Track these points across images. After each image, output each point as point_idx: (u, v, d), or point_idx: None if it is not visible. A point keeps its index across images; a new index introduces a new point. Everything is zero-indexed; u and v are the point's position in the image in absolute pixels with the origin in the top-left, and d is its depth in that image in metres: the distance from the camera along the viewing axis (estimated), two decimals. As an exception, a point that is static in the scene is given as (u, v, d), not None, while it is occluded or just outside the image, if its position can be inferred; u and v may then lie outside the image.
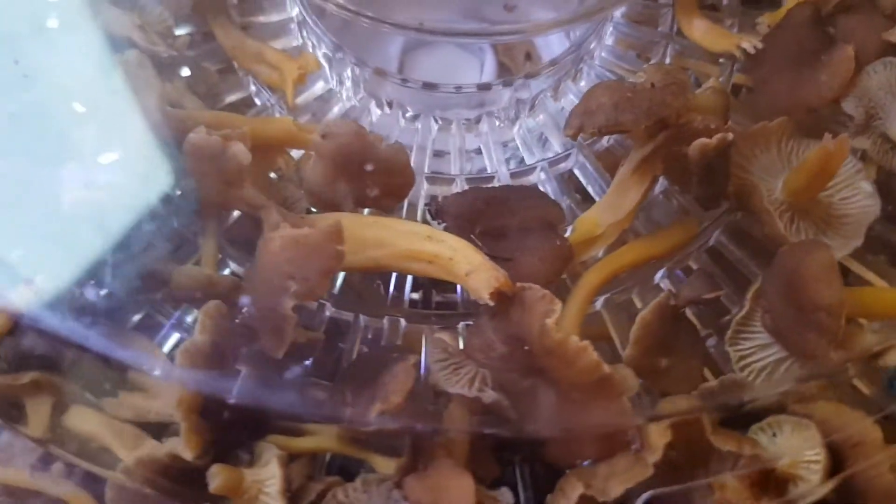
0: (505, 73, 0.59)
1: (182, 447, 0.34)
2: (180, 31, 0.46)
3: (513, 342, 0.38)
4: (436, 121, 0.54)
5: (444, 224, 0.41)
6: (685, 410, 0.37)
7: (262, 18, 0.53)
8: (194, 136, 0.36)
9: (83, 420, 0.37)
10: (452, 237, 0.39)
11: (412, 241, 0.38)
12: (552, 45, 0.58)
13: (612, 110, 0.40)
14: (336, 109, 0.53)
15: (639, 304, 0.44)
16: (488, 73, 0.58)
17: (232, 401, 0.33)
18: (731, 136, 0.39)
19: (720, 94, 0.43)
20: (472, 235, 0.40)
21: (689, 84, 0.41)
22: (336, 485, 0.36)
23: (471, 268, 0.37)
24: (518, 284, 0.37)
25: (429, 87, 0.52)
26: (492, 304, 0.37)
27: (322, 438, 0.38)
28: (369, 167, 0.41)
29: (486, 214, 0.42)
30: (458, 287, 0.46)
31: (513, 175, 0.50)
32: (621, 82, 0.42)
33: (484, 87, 0.52)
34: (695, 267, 0.45)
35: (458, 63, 0.59)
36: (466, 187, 0.47)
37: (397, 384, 0.34)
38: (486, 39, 0.55)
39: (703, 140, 0.39)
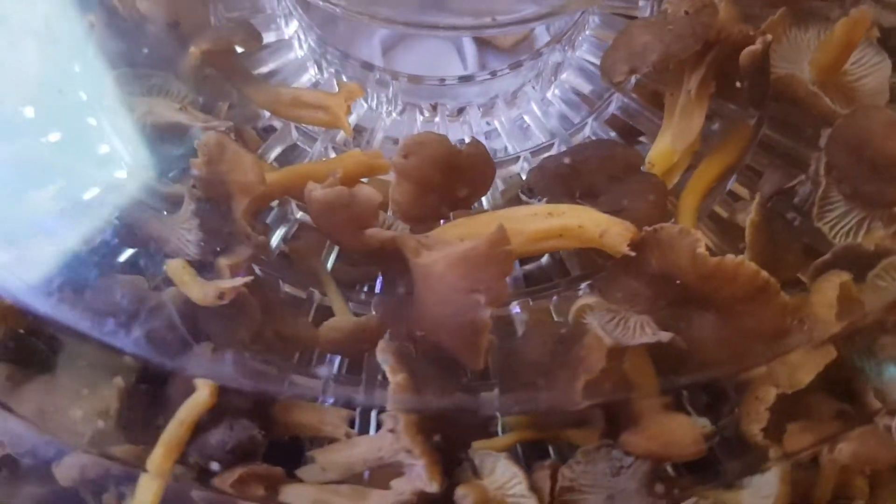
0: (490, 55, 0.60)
1: (426, 482, 0.34)
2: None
3: (658, 282, 0.40)
4: (421, 113, 0.54)
5: (543, 199, 0.43)
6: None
7: (245, 11, 0.52)
8: (319, 192, 0.36)
9: (299, 497, 0.37)
10: (569, 207, 0.40)
11: (537, 223, 0.40)
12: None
13: (661, 45, 0.42)
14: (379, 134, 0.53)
15: (724, 215, 0.47)
16: (471, 64, 0.59)
17: (469, 420, 0.34)
18: (769, 37, 0.42)
19: (731, 3, 0.46)
20: (577, 199, 0.42)
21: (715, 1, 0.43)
22: (555, 467, 0.38)
23: (601, 228, 0.39)
24: (645, 228, 0.39)
25: (414, 79, 0.52)
26: (632, 254, 0.39)
27: (518, 431, 0.39)
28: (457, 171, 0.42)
29: (574, 177, 0.44)
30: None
31: (499, 164, 0.50)
32: (651, 20, 0.44)
33: (466, 79, 0.53)
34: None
35: (440, 56, 0.59)
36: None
37: (594, 353, 0.36)
38: (467, 33, 0.55)
39: (751, 48, 0.42)
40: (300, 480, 0.37)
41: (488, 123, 0.55)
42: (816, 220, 0.45)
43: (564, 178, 0.43)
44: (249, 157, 0.38)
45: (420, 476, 0.35)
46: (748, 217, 0.42)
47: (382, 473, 0.38)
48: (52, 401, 0.36)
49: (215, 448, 0.37)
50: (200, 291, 0.37)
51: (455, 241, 0.38)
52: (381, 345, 0.37)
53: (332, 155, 0.47)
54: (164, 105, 0.43)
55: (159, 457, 0.36)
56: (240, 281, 0.36)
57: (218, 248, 0.39)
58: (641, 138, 0.50)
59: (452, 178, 0.42)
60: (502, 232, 0.34)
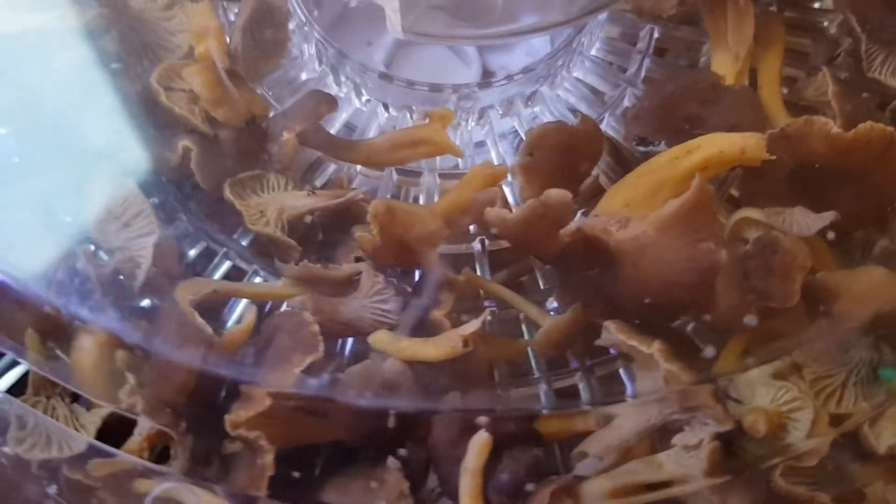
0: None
1: (719, 423, 0.37)
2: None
3: (795, 177, 0.43)
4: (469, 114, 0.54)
5: (661, 143, 0.46)
6: None
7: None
8: (513, 213, 0.37)
9: (599, 492, 0.38)
10: (700, 140, 0.43)
11: (682, 164, 0.42)
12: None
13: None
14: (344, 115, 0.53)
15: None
16: (474, 72, 0.59)
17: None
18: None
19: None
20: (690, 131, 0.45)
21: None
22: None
23: (738, 147, 0.42)
24: (770, 131, 0.43)
25: (435, 88, 0.52)
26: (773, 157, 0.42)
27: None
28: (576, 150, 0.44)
29: (673, 113, 0.46)
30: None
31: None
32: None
33: (484, 86, 0.53)
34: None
35: (443, 63, 0.60)
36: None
37: (798, 250, 0.39)
38: (472, 42, 0.56)
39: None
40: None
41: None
42: (868, 72, 0.49)
43: (666, 118, 0.46)
44: (422, 208, 0.38)
45: (709, 420, 0.37)
46: (829, 89, 0.46)
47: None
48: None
49: (512, 482, 0.38)
50: (440, 347, 0.37)
51: (634, 208, 0.40)
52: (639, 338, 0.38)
53: (439, 182, 0.48)
54: (290, 197, 0.42)
55: (469, 512, 0.37)
56: (478, 322, 0.37)
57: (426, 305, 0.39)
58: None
59: (573, 158, 0.45)
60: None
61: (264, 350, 0.38)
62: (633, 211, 0.41)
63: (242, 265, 0.45)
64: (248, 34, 0.45)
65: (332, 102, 0.44)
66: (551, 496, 0.38)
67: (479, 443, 0.37)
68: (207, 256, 0.45)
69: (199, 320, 0.36)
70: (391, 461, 0.38)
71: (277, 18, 0.46)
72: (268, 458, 0.35)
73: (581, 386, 0.44)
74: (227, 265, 0.45)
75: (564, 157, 0.44)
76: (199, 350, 0.36)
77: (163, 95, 0.42)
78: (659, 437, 0.40)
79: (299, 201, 0.42)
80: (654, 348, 0.37)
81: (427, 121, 0.46)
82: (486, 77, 0.60)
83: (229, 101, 0.43)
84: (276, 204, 0.42)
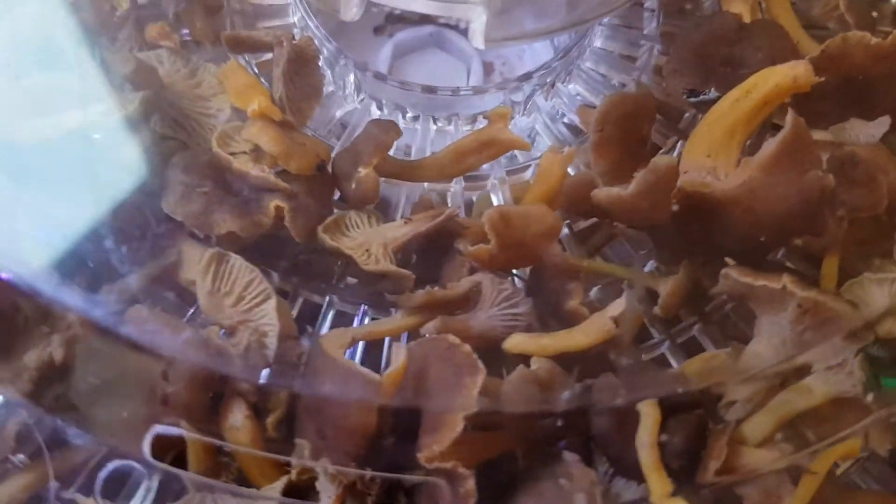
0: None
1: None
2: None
3: (839, 92, 0.46)
4: (435, 121, 0.55)
5: (710, 90, 0.47)
6: None
7: (262, 24, 0.54)
8: (627, 188, 0.38)
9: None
10: (754, 78, 0.45)
11: (745, 103, 0.43)
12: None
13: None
14: (338, 113, 0.54)
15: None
16: (476, 76, 0.60)
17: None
18: None
19: None
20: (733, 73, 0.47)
21: None
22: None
23: (790, 77, 0.43)
24: (809, 57, 0.45)
25: (428, 90, 0.53)
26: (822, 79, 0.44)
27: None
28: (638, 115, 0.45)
29: (708, 60, 0.48)
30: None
31: (508, 172, 0.51)
32: None
33: (480, 91, 0.54)
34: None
35: (445, 67, 0.61)
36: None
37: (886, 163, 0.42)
38: (544, 38, 0.57)
39: None
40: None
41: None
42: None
43: (705, 66, 0.48)
44: (531, 207, 0.39)
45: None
46: (841, 3, 0.49)
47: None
48: None
49: (686, 444, 0.39)
50: (590, 333, 0.38)
51: (716, 157, 0.42)
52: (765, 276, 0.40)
53: (503, 175, 0.49)
54: (389, 229, 0.42)
55: (658, 483, 0.38)
56: (622, 302, 0.38)
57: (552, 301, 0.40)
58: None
59: (636, 124, 0.46)
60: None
61: (422, 382, 0.38)
62: (717, 160, 0.43)
63: (347, 309, 0.45)
64: (288, 81, 0.45)
65: (397, 128, 0.44)
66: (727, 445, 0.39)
67: (650, 417, 0.38)
68: (309, 309, 0.45)
69: (364, 368, 0.36)
70: (568, 455, 0.39)
71: (309, 59, 0.46)
72: (469, 485, 0.35)
73: (702, 339, 0.45)
74: (332, 313, 0.45)
75: (629, 124, 0.45)
76: (374, 395, 0.35)
77: (234, 162, 0.41)
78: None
79: (399, 231, 0.42)
80: (785, 281, 0.39)
81: (486, 123, 0.46)
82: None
83: (299, 151, 0.43)
84: (377, 239, 0.42)
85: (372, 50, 0.60)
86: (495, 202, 0.48)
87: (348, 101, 0.53)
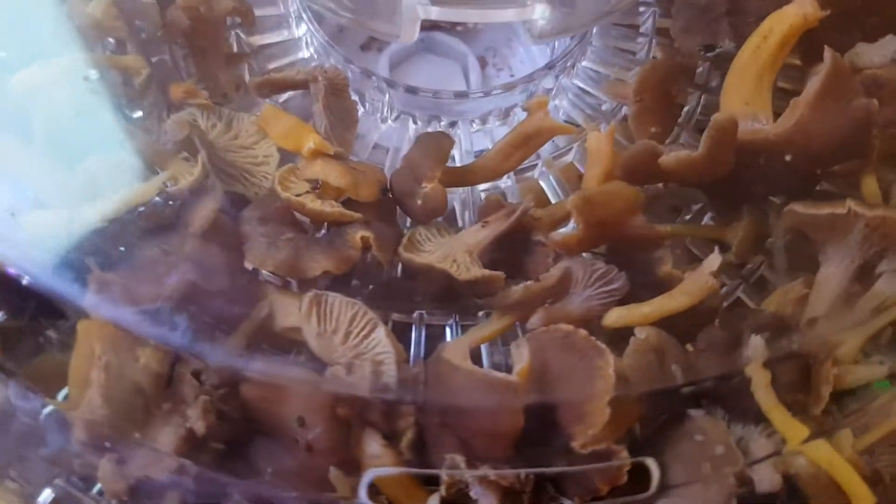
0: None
1: None
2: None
3: (840, 19, 0.48)
4: (414, 122, 0.56)
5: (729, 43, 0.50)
6: None
7: (270, 38, 0.55)
8: (699, 148, 0.40)
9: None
10: (766, 24, 0.47)
11: (765, 50, 0.46)
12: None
13: None
14: (375, 135, 0.55)
15: None
16: (475, 73, 0.61)
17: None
18: None
19: None
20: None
21: None
22: None
23: (799, 15, 0.46)
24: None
25: (460, 95, 0.55)
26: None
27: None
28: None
29: (711, 12, 0.50)
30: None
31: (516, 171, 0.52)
32: None
33: (460, 95, 0.55)
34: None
35: (441, 70, 0.62)
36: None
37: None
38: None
39: None
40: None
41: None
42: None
43: (711, 22, 0.50)
44: (615, 184, 0.41)
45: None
46: None
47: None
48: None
49: (794, 381, 0.41)
50: (692, 292, 0.40)
51: (754, 104, 0.44)
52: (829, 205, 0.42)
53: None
54: (468, 235, 0.43)
55: (790, 428, 0.40)
56: (717, 256, 0.40)
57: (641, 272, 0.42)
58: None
59: (667, 88, 0.48)
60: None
61: (545, 374, 0.39)
62: (755, 106, 0.45)
63: (436, 322, 0.46)
64: (329, 114, 0.45)
65: (450, 138, 0.45)
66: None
67: (759, 355, 0.40)
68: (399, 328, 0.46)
69: (496, 373, 0.37)
70: (693, 412, 0.40)
71: (342, 88, 0.46)
72: (624, 455, 0.37)
73: (770, 275, 0.47)
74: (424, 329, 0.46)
75: (662, 90, 0.47)
76: (515, 397, 0.36)
77: (309, 203, 0.42)
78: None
79: (479, 235, 0.43)
80: (850, 204, 0.42)
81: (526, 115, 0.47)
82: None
83: (363, 179, 0.43)
84: (459, 248, 0.43)
85: (371, 58, 0.60)
86: (546, 189, 0.50)
87: (382, 122, 0.53)
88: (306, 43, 0.55)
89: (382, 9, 0.41)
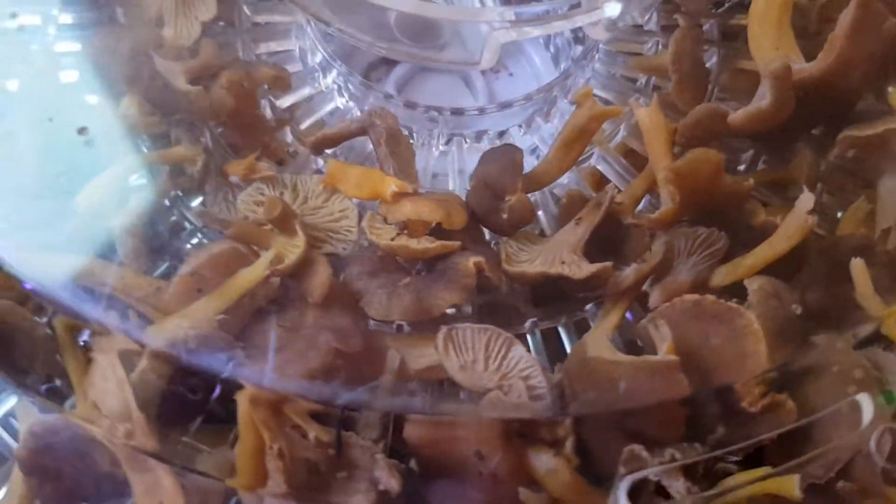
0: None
1: None
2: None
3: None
4: (465, 140, 0.57)
5: None
6: None
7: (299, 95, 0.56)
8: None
9: None
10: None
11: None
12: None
13: None
14: (430, 161, 0.56)
15: None
16: (481, 96, 0.62)
17: None
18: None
19: None
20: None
21: None
22: None
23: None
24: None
25: (505, 105, 0.56)
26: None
27: None
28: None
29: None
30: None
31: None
32: None
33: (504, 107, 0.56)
34: None
35: (451, 89, 0.62)
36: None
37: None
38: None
39: None
40: None
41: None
42: None
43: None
44: (697, 151, 0.43)
45: None
46: None
47: None
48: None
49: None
50: (792, 234, 0.42)
51: (783, 48, 0.47)
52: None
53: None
54: (566, 234, 0.44)
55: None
56: (810, 195, 0.42)
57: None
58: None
59: (697, 50, 0.50)
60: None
61: (689, 345, 0.40)
62: (783, 49, 0.48)
63: (546, 326, 0.47)
64: (392, 153, 0.46)
65: (519, 150, 0.46)
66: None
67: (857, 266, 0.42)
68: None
69: (654, 357, 0.38)
70: (816, 338, 0.43)
71: (395, 127, 0.47)
72: (790, 404, 0.38)
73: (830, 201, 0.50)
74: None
75: (694, 55, 0.49)
76: (678, 377, 0.38)
77: (411, 244, 0.42)
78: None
79: (577, 233, 0.44)
80: (902, 117, 0.45)
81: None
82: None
83: (451, 208, 0.44)
84: (562, 248, 0.44)
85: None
86: (607, 172, 0.51)
87: (436, 149, 0.54)
88: (339, 89, 0.55)
89: (450, 40, 0.41)
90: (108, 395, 0.37)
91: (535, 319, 0.47)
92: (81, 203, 0.43)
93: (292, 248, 0.41)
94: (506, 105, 0.55)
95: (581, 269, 0.43)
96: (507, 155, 0.46)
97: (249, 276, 0.41)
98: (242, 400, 0.36)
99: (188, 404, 0.38)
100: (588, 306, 0.47)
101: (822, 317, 0.44)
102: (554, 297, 0.47)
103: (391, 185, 0.44)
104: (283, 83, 0.49)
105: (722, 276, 0.44)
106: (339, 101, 0.56)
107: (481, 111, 0.55)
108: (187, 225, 0.48)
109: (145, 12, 0.50)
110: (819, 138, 0.49)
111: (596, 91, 0.57)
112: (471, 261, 0.42)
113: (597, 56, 0.57)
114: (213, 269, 0.41)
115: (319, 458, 0.38)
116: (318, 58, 0.56)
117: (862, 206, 0.48)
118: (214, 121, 0.48)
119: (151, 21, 0.49)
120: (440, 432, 0.39)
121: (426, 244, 0.43)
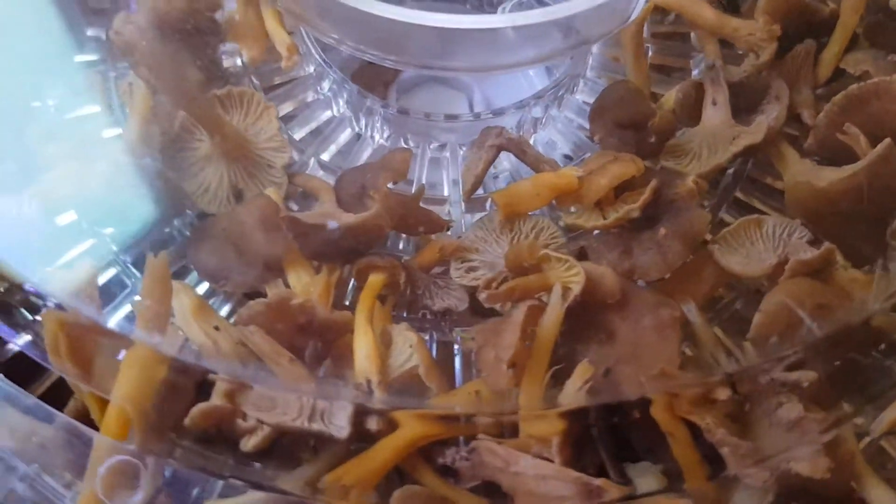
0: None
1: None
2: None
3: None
4: (460, 147, 0.57)
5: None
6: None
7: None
8: None
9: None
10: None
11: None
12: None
13: None
14: (366, 154, 0.57)
15: None
16: (478, 105, 0.62)
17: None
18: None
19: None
20: None
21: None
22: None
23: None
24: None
25: (450, 118, 0.56)
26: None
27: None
28: None
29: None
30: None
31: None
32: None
33: (451, 118, 0.56)
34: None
35: (447, 98, 0.63)
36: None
37: None
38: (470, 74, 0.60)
39: None
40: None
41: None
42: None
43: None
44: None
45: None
46: None
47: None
48: None
49: None
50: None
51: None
52: None
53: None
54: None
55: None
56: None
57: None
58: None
59: None
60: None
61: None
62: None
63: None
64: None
65: (625, 79, 0.49)
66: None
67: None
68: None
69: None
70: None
71: (513, 136, 0.48)
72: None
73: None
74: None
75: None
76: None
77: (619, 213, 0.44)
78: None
79: (717, 115, 0.48)
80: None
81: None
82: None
83: (630, 159, 0.46)
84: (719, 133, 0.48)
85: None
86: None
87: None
88: (335, 96, 0.56)
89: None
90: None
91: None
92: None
93: (573, 278, 0.41)
94: (499, 112, 0.56)
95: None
96: (617, 92, 0.48)
97: (553, 318, 0.40)
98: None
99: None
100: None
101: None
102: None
103: (572, 173, 0.45)
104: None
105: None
106: (335, 110, 0.57)
107: (476, 117, 0.56)
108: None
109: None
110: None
111: (587, 99, 0.59)
112: (688, 180, 0.45)
113: (589, 63, 0.59)
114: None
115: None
116: (312, 68, 0.57)
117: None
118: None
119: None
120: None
121: (635, 197, 0.44)
